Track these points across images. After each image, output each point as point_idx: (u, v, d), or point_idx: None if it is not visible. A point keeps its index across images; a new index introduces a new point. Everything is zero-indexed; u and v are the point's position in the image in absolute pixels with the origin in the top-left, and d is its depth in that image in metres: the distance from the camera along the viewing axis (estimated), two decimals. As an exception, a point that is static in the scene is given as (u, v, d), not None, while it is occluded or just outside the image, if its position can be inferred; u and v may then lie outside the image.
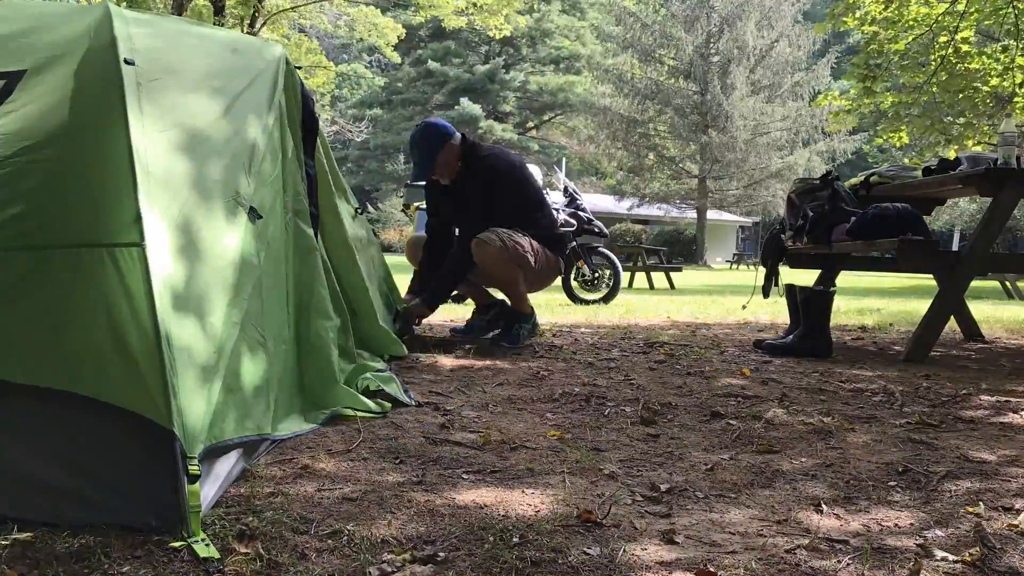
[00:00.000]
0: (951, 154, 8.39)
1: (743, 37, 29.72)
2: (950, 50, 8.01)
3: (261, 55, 2.73)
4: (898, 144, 9.45)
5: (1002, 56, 8.27)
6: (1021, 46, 7.86)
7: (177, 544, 1.52)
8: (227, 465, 1.88)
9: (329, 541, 1.60)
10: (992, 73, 8.37)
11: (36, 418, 1.69)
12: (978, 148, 9.23)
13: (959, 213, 29.01)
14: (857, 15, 8.25)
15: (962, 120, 9.10)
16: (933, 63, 8.25)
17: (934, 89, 8.45)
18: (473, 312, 4.63)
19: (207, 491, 1.75)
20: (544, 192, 7.63)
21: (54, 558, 1.47)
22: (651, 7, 31.48)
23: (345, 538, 1.61)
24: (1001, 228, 4.04)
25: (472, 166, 4.07)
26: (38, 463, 1.65)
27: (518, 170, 4.23)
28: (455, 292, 6.23)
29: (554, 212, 7.36)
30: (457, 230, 4.21)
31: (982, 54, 8.42)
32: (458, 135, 4.13)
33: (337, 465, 2.09)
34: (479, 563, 1.52)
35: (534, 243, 4.07)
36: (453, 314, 5.75)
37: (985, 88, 8.51)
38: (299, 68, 2.89)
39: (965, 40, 8.12)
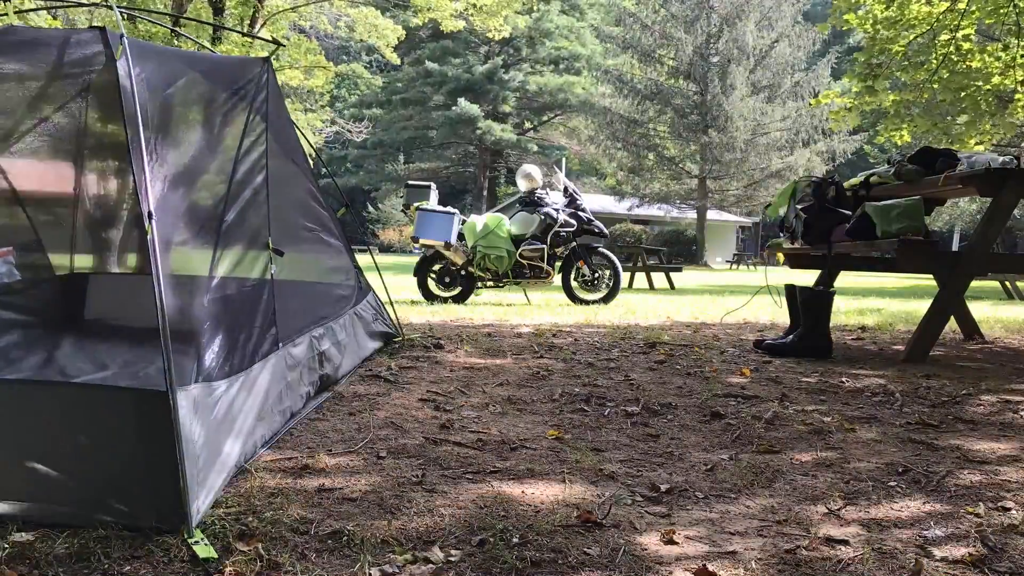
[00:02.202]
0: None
1: (743, 37, 29.71)
2: (951, 48, 7.99)
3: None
4: (900, 142, 9.44)
5: (1003, 54, 8.25)
6: (1022, 44, 7.85)
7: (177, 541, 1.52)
8: (234, 454, 1.89)
9: (329, 541, 1.60)
10: (993, 71, 8.36)
11: (36, 417, 1.69)
12: (980, 148, 9.22)
13: (959, 213, 29.00)
14: (859, 14, 8.23)
15: (963, 119, 9.09)
16: (934, 61, 8.23)
17: (935, 87, 8.43)
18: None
19: (213, 481, 1.75)
20: (544, 192, 7.67)
21: (54, 558, 1.47)
22: (651, 7, 31.46)
23: (345, 538, 1.61)
24: (1001, 228, 4.03)
25: None
26: (38, 462, 1.65)
27: None
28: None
29: (554, 212, 7.41)
30: None
31: (983, 52, 8.41)
32: None
33: (337, 465, 2.09)
34: (479, 563, 1.52)
35: None
36: (455, 314, 5.74)
37: (986, 86, 8.49)
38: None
39: (967, 38, 8.10)
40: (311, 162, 3.43)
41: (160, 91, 2.19)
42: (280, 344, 2.52)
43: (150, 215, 1.80)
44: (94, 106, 2.87)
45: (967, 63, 8.28)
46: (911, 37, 8.16)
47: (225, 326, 2.17)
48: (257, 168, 2.62)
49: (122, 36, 1.99)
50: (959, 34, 7.90)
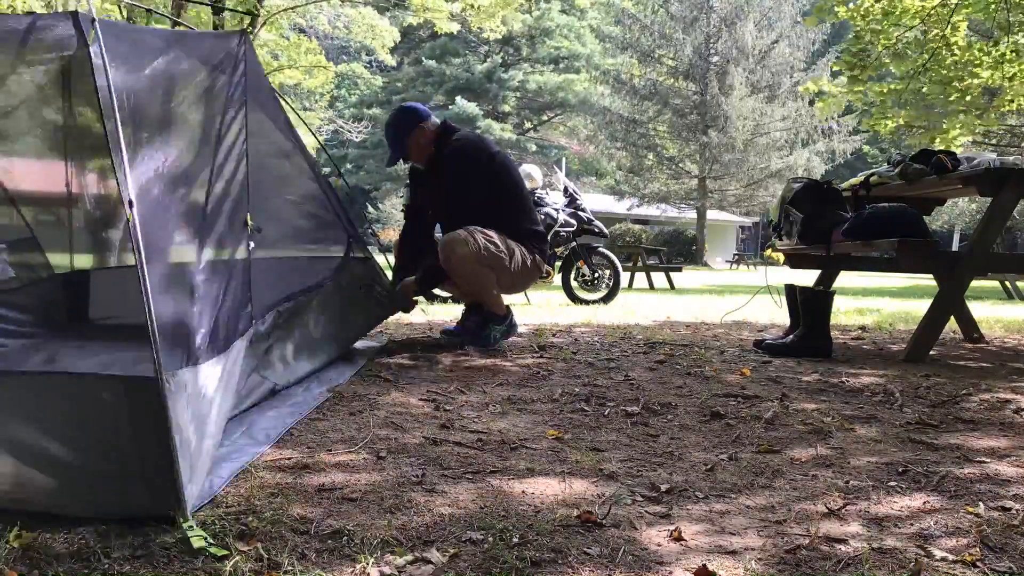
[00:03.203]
0: (938, 147, 8.42)
1: (742, 38, 29.74)
2: (941, 43, 8.03)
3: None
4: (884, 131, 9.48)
5: (993, 50, 8.28)
6: (1011, 40, 7.89)
7: (173, 537, 1.52)
8: (221, 435, 1.90)
9: (329, 541, 1.60)
10: (983, 66, 8.39)
11: (25, 407, 1.69)
12: (961, 140, 9.26)
13: (959, 213, 29.04)
14: (850, 7, 8.24)
15: (950, 113, 9.11)
16: (925, 54, 8.26)
17: (924, 81, 8.48)
18: (464, 313, 4.34)
19: (205, 465, 1.75)
20: (544, 192, 7.65)
21: (54, 558, 1.46)
22: (650, 7, 31.48)
23: (345, 538, 1.61)
24: (1001, 228, 4.04)
25: (442, 152, 3.96)
26: (28, 452, 1.65)
27: (491, 160, 4.00)
28: (448, 294, 6.15)
29: (554, 212, 7.40)
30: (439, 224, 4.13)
31: (972, 47, 8.44)
32: (434, 120, 4.09)
33: (337, 464, 2.09)
34: (479, 563, 1.51)
35: (510, 242, 3.89)
36: (455, 314, 5.74)
37: (975, 81, 8.52)
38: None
39: (955, 30, 8.12)
40: (301, 137, 3.34)
41: (136, 73, 2.13)
42: (254, 321, 2.50)
43: (131, 203, 1.78)
44: (70, 92, 2.82)
45: (956, 58, 8.33)
46: (903, 31, 8.19)
47: (208, 308, 2.12)
48: (238, 144, 2.54)
49: (94, 20, 1.92)
50: (949, 28, 7.94)
